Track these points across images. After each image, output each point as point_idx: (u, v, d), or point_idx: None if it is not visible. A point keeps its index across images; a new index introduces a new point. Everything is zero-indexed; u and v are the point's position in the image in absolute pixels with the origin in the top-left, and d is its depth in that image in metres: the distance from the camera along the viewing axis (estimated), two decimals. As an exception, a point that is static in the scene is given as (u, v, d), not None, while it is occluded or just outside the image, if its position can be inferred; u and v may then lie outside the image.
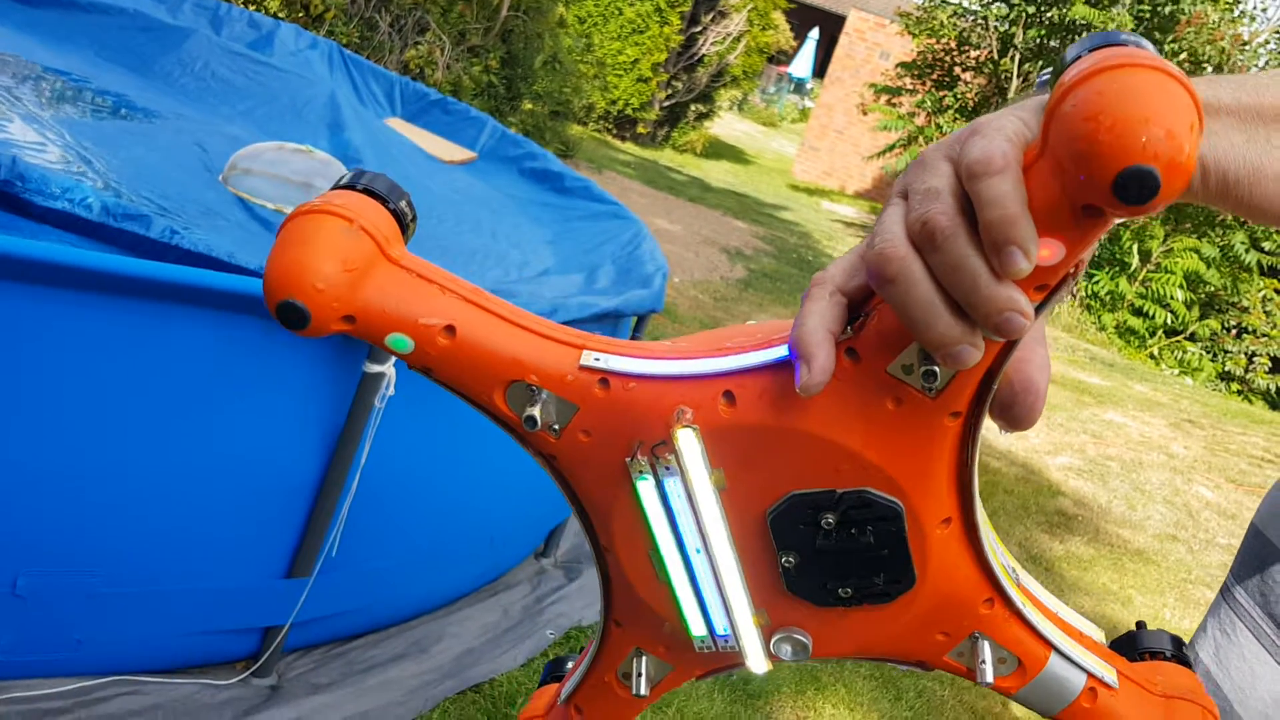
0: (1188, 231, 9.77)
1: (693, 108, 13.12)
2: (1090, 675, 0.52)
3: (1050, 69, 0.41)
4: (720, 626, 0.52)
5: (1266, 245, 9.40)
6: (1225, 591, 0.85)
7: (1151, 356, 9.79)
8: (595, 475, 0.50)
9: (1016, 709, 2.89)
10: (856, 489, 0.46)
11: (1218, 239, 9.61)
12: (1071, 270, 0.40)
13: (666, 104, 12.59)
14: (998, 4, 10.76)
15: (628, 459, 0.48)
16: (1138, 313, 9.86)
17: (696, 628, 0.53)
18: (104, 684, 1.80)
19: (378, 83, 4.10)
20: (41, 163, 1.92)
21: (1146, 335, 9.89)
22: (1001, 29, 10.85)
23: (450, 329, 0.48)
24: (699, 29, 12.50)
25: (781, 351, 0.46)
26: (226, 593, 1.86)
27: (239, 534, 1.84)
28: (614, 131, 12.32)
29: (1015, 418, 0.45)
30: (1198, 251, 9.51)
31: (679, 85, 12.61)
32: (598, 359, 0.49)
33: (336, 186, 0.48)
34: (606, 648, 0.57)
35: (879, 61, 14.36)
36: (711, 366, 0.47)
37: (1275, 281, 9.54)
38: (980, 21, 11.00)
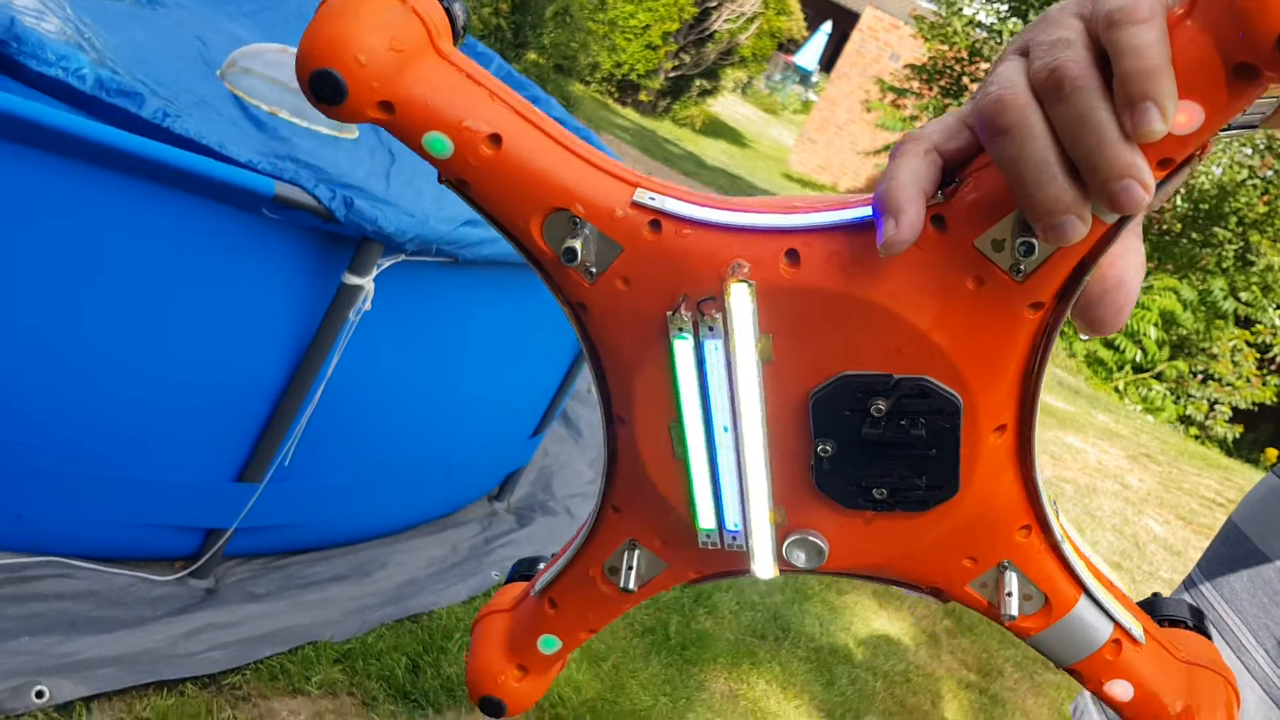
0: (1169, 271, 9.86)
1: (697, 83, 13.05)
2: (1118, 625, 0.48)
3: None
4: (731, 521, 0.49)
5: (1244, 295, 9.50)
6: (1190, 586, 0.84)
7: (1117, 390, 9.89)
8: (626, 330, 0.46)
9: (948, 706, 2.91)
10: (916, 376, 0.42)
11: (1198, 283, 9.71)
12: (1197, 152, 0.37)
13: (672, 75, 12.52)
14: (1013, 19, 10.76)
15: (669, 312, 0.44)
16: (1109, 344, 9.95)
17: (705, 519, 0.49)
18: (38, 563, 1.77)
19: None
20: (38, 28, 1.86)
21: (1114, 368, 9.99)
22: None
23: (496, 138, 0.43)
24: (714, 4, 12.41)
25: (859, 213, 0.41)
26: (174, 487, 1.82)
27: (194, 430, 1.81)
28: (615, 95, 12.23)
29: (1100, 318, 0.41)
30: (1176, 292, 9.60)
31: (686, 58, 12.53)
32: (652, 198, 0.44)
33: None
34: (597, 536, 0.53)
35: (888, 62, 14.33)
36: (778, 221, 0.43)
37: (1247, 333, 9.66)
38: (994, 35, 11.00)
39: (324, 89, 0.41)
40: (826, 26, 22.27)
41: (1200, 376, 9.77)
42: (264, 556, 2.11)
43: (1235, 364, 9.58)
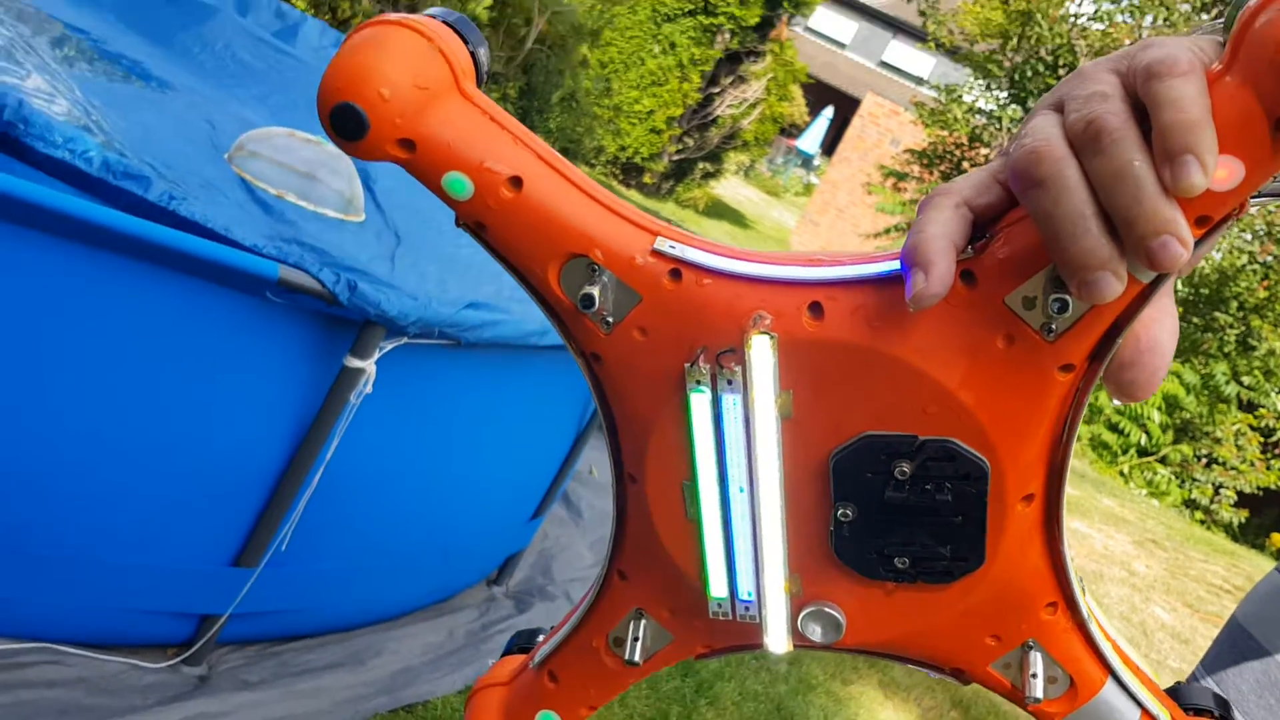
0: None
1: (700, 165, 13.23)
2: (1145, 712, 0.46)
3: (1212, 21, 0.38)
4: (745, 590, 0.46)
5: (1246, 380, 9.50)
6: (1192, 681, 0.82)
7: (1122, 474, 9.83)
8: (642, 382, 0.44)
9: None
10: (942, 438, 0.40)
11: (1200, 366, 9.71)
12: (1235, 211, 0.36)
13: (676, 158, 12.69)
14: (1013, 107, 10.94)
15: (687, 364, 0.42)
16: (1113, 428, 9.92)
17: (717, 586, 0.46)
18: (28, 649, 1.73)
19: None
20: (47, 111, 1.88)
21: (1119, 452, 9.94)
22: (1014, 130, 11.01)
23: (517, 181, 0.42)
24: (717, 90, 12.64)
25: (885, 266, 0.40)
26: (169, 573, 1.79)
27: (191, 514, 1.78)
28: (620, 177, 12.39)
29: (1133, 382, 0.40)
30: (1179, 376, 9.60)
31: (690, 142, 12.72)
32: (673, 246, 0.43)
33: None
34: (602, 604, 0.50)
35: (889, 147, 14.54)
36: (802, 273, 0.41)
37: (1250, 417, 9.63)
38: (994, 121, 11.18)
39: (345, 123, 0.40)
40: (828, 112, 22.65)
41: (1204, 461, 9.72)
42: (258, 643, 2.07)
43: (1239, 448, 9.53)
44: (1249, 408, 9.73)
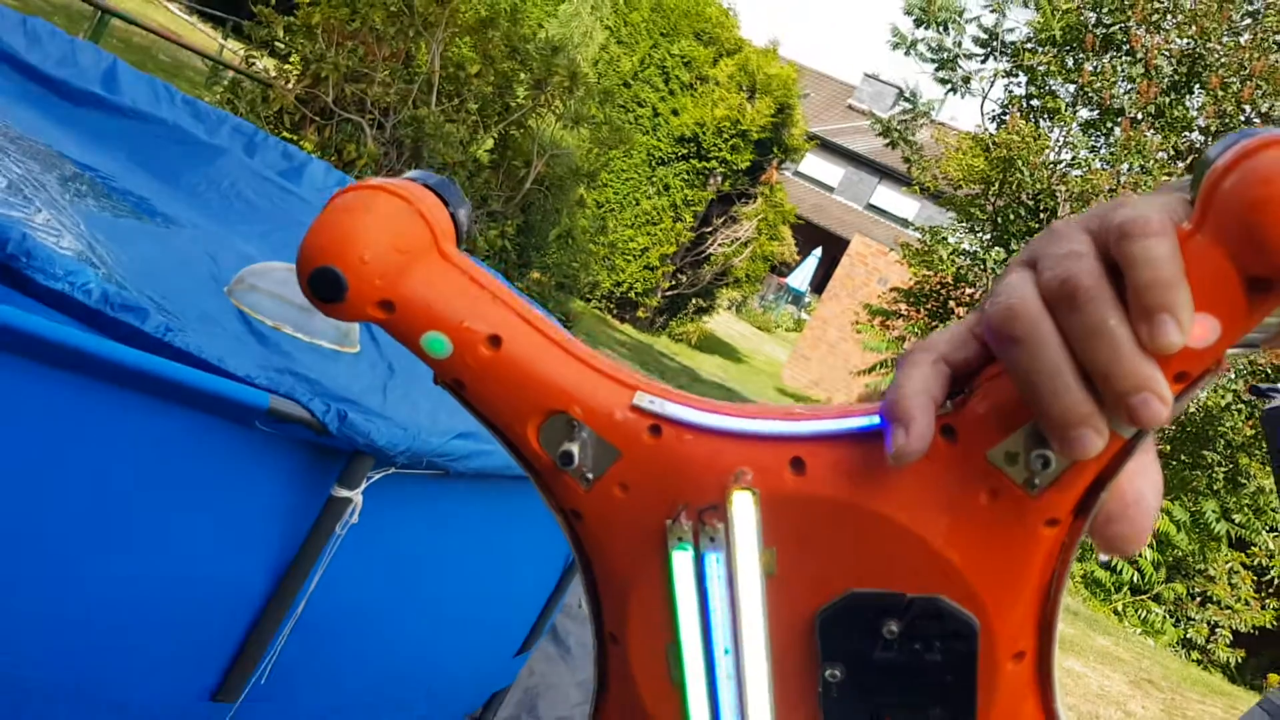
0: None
1: (694, 301, 13.44)
2: None
3: (1179, 179, 0.39)
4: None
5: (1237, 517, 9.46)
6: None
7: (1116, 612, 9.70)
8: (623, 541, 0.44)
9: None
10: (930, 595, 0.40)
11: (1190, 504, 9.69)
12: (1211, 365, 0.36)
13: (669, 293, 12.90)
14: (996, 249, 11.18)
15: (668, 521, 0.42)
16: (1106, 566, 9.83)
17: None
18: (-7, 786, 1.69)
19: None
20: (51, 244, 1.94)
21: (1112, 590, 9.83)
22: (998, 271, 11.23)
23: (495, 339, 0.43)
24: (710, 229, 12.93)
25: (864, 421, 0.40)
26: (144, 707, 1.76)
27: (170, 646, 1.76)
28: (614, 311, 12.57)
29: (1120, 536, 0.40)
30: (1169, 513, 9.56)
31: (683, 278, 12.95)
32: (652, 401, 0.43)
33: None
34: None
35: (876, 285, 14.81)
36: (783, 428, 0.41)
37: (1243, 555, 9.56)
38: (978, 262, 11.41)
39: (324, 286, 0.41)
40: (817, 252, 23.14)
41: (1198, 599, 9.61)
42: (231, 782, 2.02)
43: (1233, 585, 9.43)
44: (1241, 545, 9.67)
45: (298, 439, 1.70)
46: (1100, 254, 0.36)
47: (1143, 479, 0.40)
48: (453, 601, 2.22)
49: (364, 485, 1.76)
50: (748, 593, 0.42)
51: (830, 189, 26.46)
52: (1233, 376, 9.42)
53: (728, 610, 0.42)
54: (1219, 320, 0.35)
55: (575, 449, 0.42)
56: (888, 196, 25.71)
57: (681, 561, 0.42)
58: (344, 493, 1.75)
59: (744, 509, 0.41)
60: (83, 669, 1.69)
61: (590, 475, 0.43)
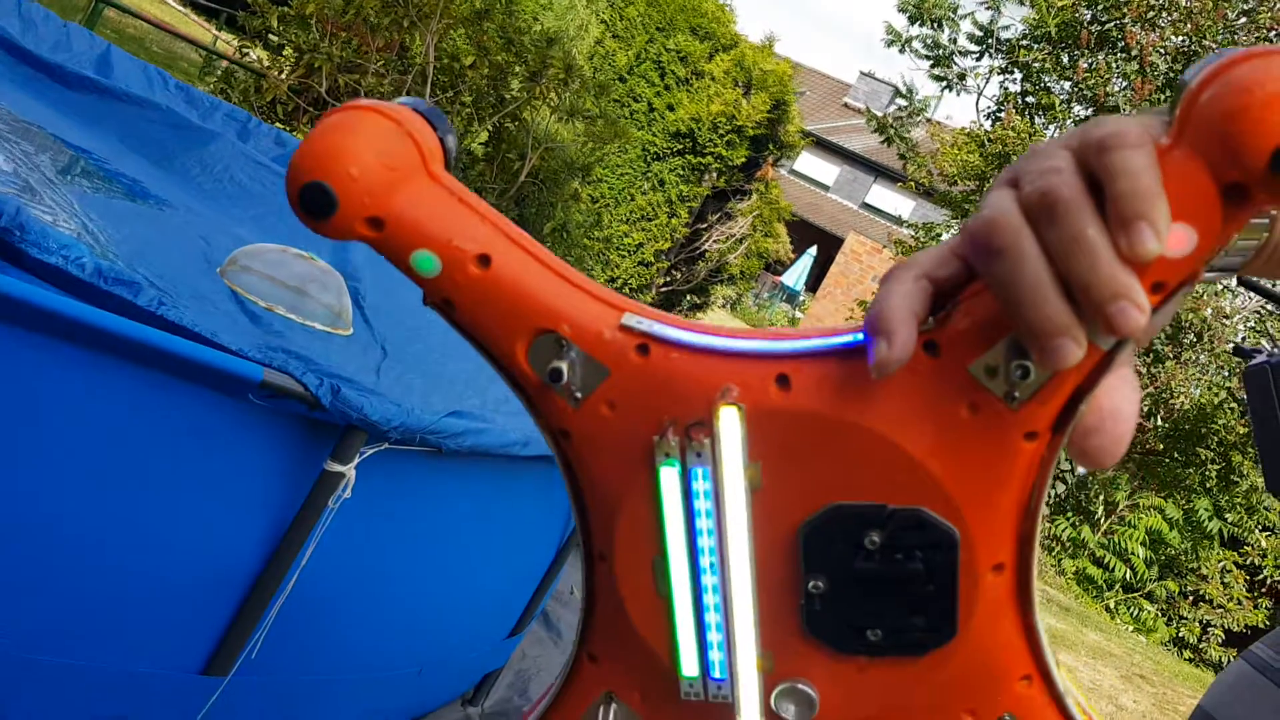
0: (1154, 490, 9.88)
1: (688, 297, 13.43)
2: None
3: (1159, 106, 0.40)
4: (717, 668, 0.45)
5: (1230, 516, 9.49)
6: None
7: (1108, 609, 9.72)
8: (610, 458, 0.44)
9: None
10: (911, 506, 0.41)
11: (1182, 502, 9.71)
12: (1187, 277, 0.37)
13: (664, 289, 12.90)
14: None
15: (656, 437, 0.42)
16: (1098, 563, 9.86)
17: (689, 665, 0.46)
18: (-17, 758, 1.69)
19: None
20: (44, 219, 1.93)
21: (1105, 587, 9.86)
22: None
23: (484, 258, 0.43)
24: (705, 226, 12.94)
25: (849, 338, 0.41)
26: (134, 679, 1.76)
27: (160, 619, 1.76)
28: (608, 308, 12.56)
29: (1097, 449, 0.40)
30: (1161, 511, 9.59)
31: (678, 275, 12.95)
32: (640, 321, 0.43)
33: None
34: (572, 688, 0.49)
35: (870, 283, 14.83)
36: (768, 346, 0.42)
37: (1235, 554, 9.59)
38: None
39: (314, 201, 0.41)
40: (812, 250, 23.13)
41: (1191, 598, 9.63)
42: (221, 759, 2.01)
43: (1225, 585, 9.46)
44: (1234, 544, 9.70)
45: (291, 413, 1.70)
46: (1080, 169, 0.37)
47: (1119, 393, 0.40)
48: (445, 580, 2.22)
49: (357, 460, 1.76)
50: (733, 506, 0.42)
51: (825, 187, 26.47)
52: (1226, 373, 9.46)
53: (715, 523, 0.43)
54: (1196, 230, 0.36)
55: (564, 367, 0.43)
56: (883, 195, 25.73)
57: (668, 477, 0.43)
58: (337, 467, 1.75)
59: (730, 424, 0.41)
60: (73, 643, 1.69)
61: (579, 394, 0.44)
